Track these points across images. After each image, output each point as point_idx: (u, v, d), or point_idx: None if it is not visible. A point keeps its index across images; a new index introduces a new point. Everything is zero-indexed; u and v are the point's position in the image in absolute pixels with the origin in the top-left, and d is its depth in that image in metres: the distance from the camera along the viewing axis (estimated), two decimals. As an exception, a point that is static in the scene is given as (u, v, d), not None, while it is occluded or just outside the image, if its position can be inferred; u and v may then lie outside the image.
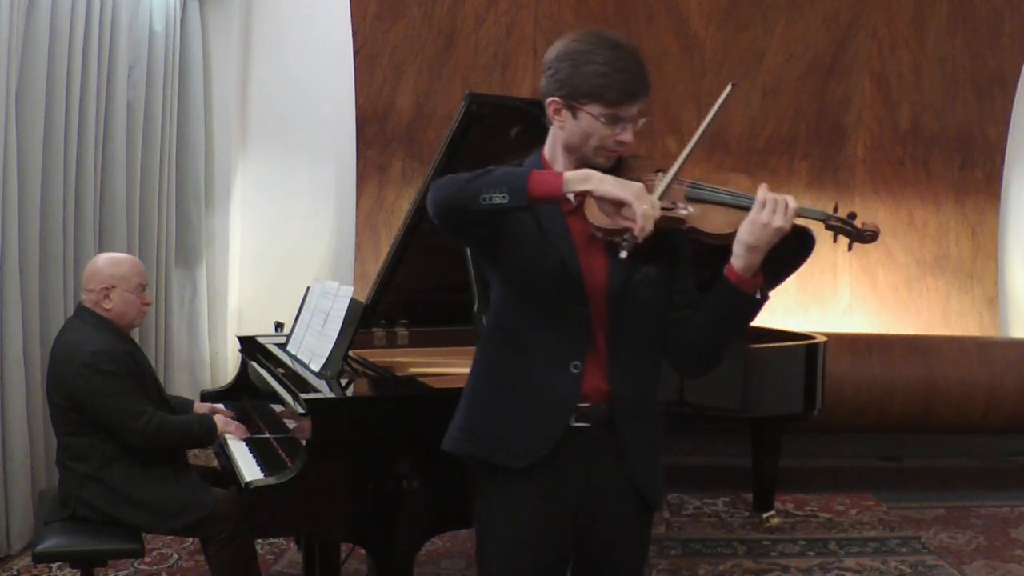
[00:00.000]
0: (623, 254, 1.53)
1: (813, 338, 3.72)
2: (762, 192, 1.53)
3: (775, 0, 5.34)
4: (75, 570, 2.59)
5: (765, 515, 3.90)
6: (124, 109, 4.12)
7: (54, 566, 3.14)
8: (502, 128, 2.28)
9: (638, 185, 1.50)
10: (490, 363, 1.72)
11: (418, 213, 2.53)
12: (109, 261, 2.65)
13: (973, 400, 5.19)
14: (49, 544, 2.40)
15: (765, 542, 3.70)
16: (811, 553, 3.58)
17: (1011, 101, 5.66)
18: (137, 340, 3.15)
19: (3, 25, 3.16)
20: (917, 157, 5.71)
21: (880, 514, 4.09)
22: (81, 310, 2.61)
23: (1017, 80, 5.64)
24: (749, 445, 3.94)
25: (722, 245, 1.57)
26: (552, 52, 1.62)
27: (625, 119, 1.61)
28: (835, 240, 1.62)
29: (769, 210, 1.51)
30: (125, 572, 3.19)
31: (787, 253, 2.35)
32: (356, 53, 5.21)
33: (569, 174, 1.51)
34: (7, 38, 3.18)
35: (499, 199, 1.49)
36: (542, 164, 1.68)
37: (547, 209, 1.62)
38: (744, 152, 5.60)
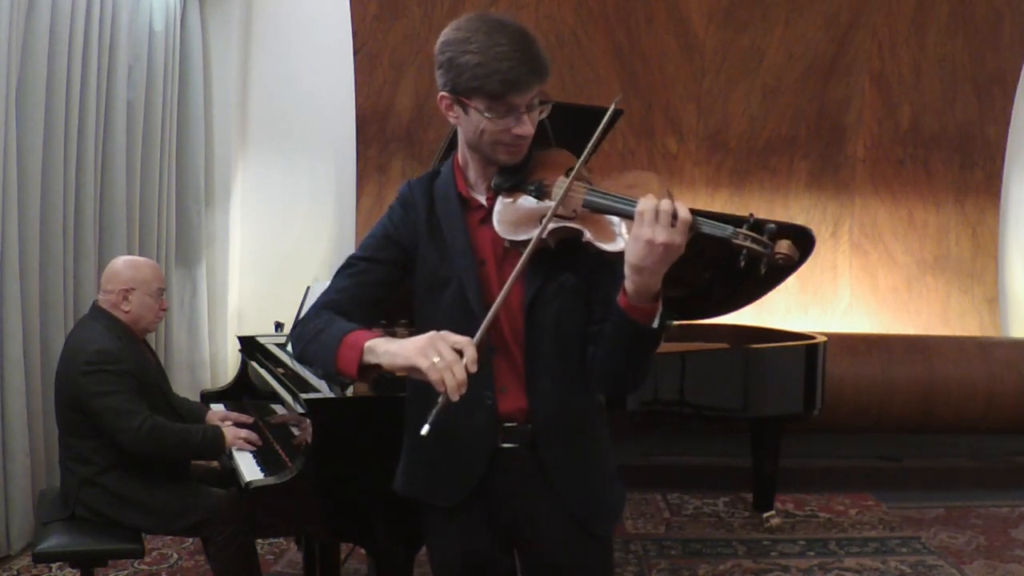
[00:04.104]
0: (425, 429, 1.25)
1: (813, 338, 3.72)
2: (643, 202, 1.29)
3: (775, 0, 5.35)
4: (75, 570, 2.59)
5: (765, 515, 3.91)
6: (124, 109, 4.12)
7: (54, 566, 3.14)
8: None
9: (426, 339, 1.29)
10: (413, 408, 1.63)
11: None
12: (129, 264, 2.64)
13: (973, 400, 5.20)
14: (49, 544, 2.40)
15: (765, 542, 3.71)
16: (811, 553, 3.58)
17: (1011, 101, 5.66)
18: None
19: (3, 25, 3.16)
20: (917, 157, 5.71)
21: (880, 514, 4.09)
22: (96, 311, 2.60)
23: (1017, 80, 5.64)
24: (749, 445, 3.94)
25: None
26: (437, 43, 1.46)
27: (516, 110, 1.41)
28: (740, 263, 1.34)
29: (650, 222, 1.27)
30: (125, 572, 3.19)
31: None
32: (356, 53, 5.21)
33: (370, 344, 1.36)
34: (7, 38, 3.18)
35: (321, 375, 1.44)
36: (453, 170, 1.57)
37: (450, 224, 1.52)
38: (744, 152, 5.61)
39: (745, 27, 5.39)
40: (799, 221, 5.27)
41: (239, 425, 2.68)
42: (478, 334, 1.31)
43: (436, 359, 1.26)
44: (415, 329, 1.59)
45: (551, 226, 1.39)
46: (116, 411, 2.41)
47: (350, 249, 5.88)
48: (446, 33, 1.44)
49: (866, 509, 4.16)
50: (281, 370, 2.71)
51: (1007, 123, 5.69)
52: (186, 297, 4.92)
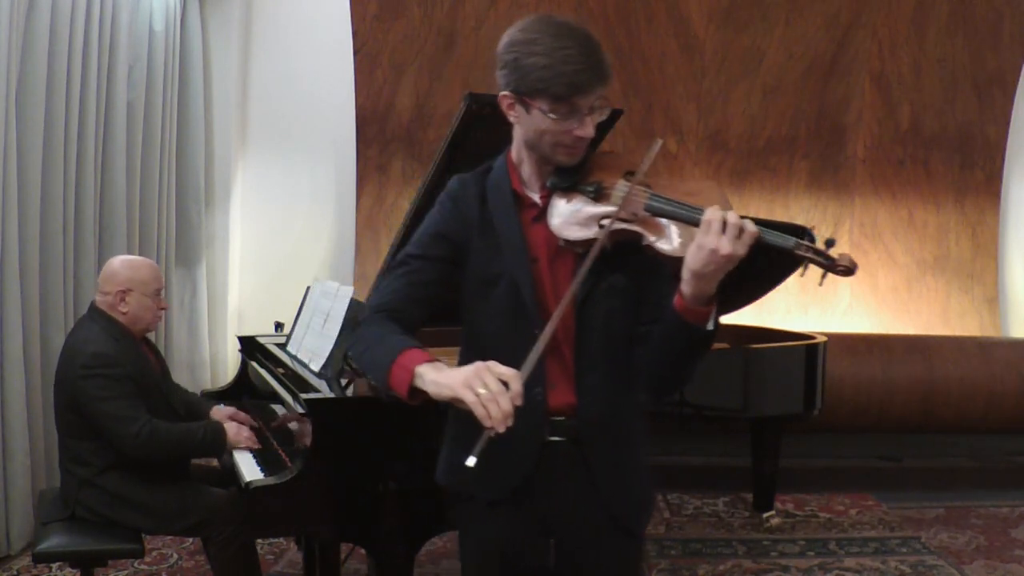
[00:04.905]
0: (471, 461, 1.24)
1: (813, 338, 3.72)
2: (710, 212, 1.34)
3: (775, 0, 5.35)
4: (75, 570, 2.59)
5: (765, 515, 3.91)
6: (124, 109, 4.12)
7: (54, 566, 3.14)
8: (502, 128, 2.28)
9: (471, 369, 1.29)
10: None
11: (418, 213, 2.52)
12: (126, 264, 2.61)
13: (973, 400, 5.20)
14: (49, 544, 2.40)
15: (765, 542, 3.71)
16: (811, 553, 3.58)
17: (1011, 101, 5.67)
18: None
19: (3, 25, 3.16)
20: (917, 157, 5.71)
21: (880, 514, 4.09)
22: (94, 311, 2.58)
23: (1017, 80, 5.65)
24: (749, 445, 3.94)
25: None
26: (500, 43, 1.48)
27: (579, 112, 1.43)
28: (802, 273, 1.40)
29: (716, 233, 1.32)
30: (125, 572, 3.19)
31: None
32: (356, 53, 5.21)
33: (420, 369, 1.36)
34: (7, 38, 3.18)
35: (374, 384, 1.44)
36: (507, 167, 1.58)
37: (503, 220, 1.53)
38: (744, 152, 5.61)
39: (745, 27, 5.39)
40: (799, 221, 5.27)
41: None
42: (525, 367, 1.31)
43: (482, 390, 1.26)
44: (465, 324, 1.61)
45: (613, 227, 1.42)
46: (114, 417, 2.40)
47: (350, 249, 5.86)
48: (512, 34, 1.46)
49: (866, 509, 4.16)
50: (281, 370, 2.71)
51: (1007, 123, 5.69)
52: (186, 297, 4.92)
